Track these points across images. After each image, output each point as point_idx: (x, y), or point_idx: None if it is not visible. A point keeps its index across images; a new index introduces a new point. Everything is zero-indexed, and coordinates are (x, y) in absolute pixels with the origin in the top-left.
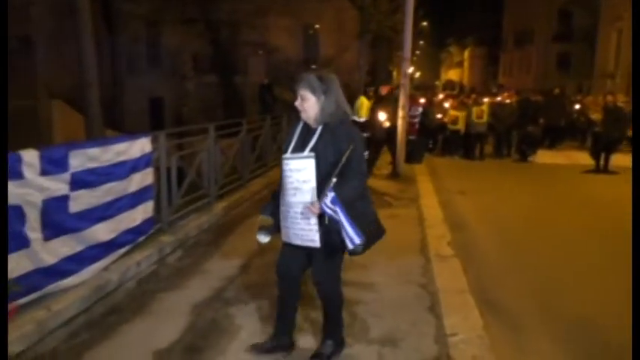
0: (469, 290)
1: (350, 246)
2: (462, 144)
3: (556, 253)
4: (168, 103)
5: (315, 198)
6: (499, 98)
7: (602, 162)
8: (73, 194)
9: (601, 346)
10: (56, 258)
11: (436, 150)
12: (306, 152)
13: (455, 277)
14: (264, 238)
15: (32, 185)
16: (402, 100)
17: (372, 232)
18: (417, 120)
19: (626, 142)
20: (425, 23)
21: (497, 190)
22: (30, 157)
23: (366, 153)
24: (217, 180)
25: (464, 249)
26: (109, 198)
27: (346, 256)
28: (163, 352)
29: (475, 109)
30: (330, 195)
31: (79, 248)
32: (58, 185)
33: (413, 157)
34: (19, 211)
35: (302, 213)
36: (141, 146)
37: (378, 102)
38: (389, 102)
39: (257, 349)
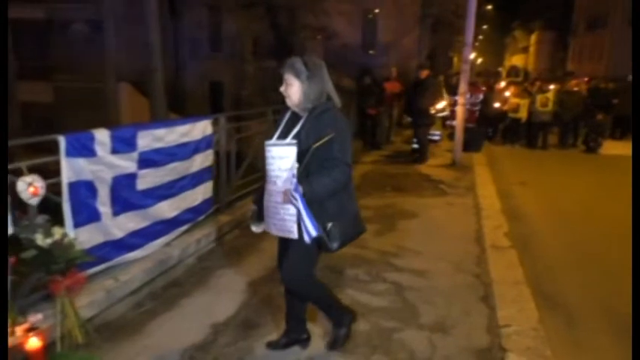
0: (525, 282)
1: (306, 238)
2: (523, 133)
3: (617, 248)
4: (228, 87)
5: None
6: (566, 85)
7: None
8: (141, 172)
9: None
10: (124, 232)
11: (496, 139)
12: (288, 140)
13: (511, 269)
14: (256, 228)
15: (104, 162)
16: (463, 87)
17: (351, 229)
18: (476, 108)
19: None
20: (489, 7)
21: (560, 181)
22: (102, 136)
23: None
24: None
25: (521, 241)
26: (172, 177)
27: (402, 241)
28: (220, 326)
29: (540, 97)
30: (294, 182)
31: (144, 224)
32: (127, 163)
33: (471, 145)
34: (92, 187)
35: (280, 202)
36: (203, 128)
37: (416, 86)
38: (427, 86)
39: (272, 346)
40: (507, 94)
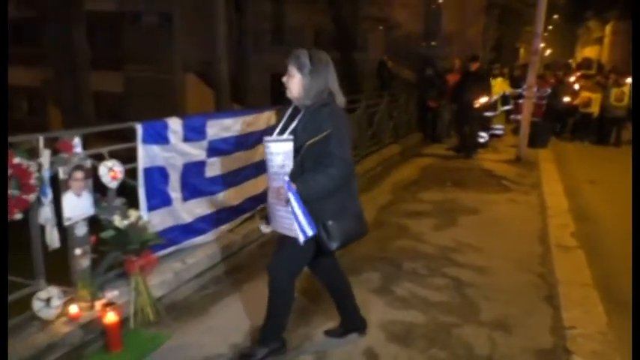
0: (593, 285)
1: (301, 237)
2: (594, 128)
3: None
4: None
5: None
6: None
7: None
8: (209, 160)
9: None
10: (192, 217)
11: (564, 134)
12: (285, 135)
13: (577, 270)
14: (264, 228)
15: (176, 150)
16: (530, 80)
17: (353, 229)
18: (543, 102)
19: None
20: None
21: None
22: (175, 124)
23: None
24: None
25: (589, 242)
26: (237, 166)
27: (462, 237)
28: None
29: (614, 91)
30: (286, 180)
31: (210, 210)
32: (197, 151)
33: (537, 140)
34: (164, 172)
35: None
36: (267, 119)
37: (465, 79)
38: (476, 79)
39: (330, 334)
40: (577, 87)
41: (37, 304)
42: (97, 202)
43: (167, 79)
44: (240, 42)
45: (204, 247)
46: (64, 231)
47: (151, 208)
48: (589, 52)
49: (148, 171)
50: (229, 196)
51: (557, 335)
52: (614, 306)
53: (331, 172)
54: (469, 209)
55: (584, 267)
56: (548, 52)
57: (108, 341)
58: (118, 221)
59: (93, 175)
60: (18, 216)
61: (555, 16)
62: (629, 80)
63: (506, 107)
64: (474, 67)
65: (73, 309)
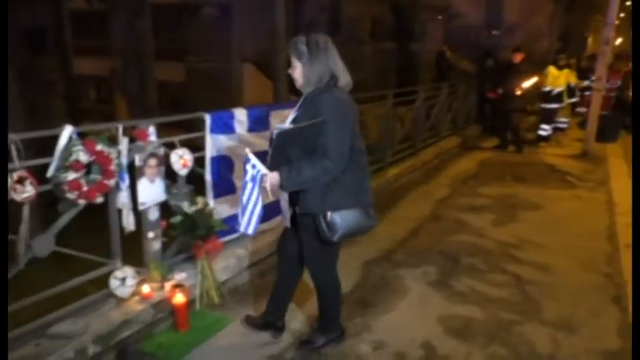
0: None
1: (241, 229)
2: None
3: None
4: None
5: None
6: None
7: None
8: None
9: None
10: None
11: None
12: (287, 124)
13: None
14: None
15: (241, 139)
16: (600, 71)
17: (357, 221)
18: (613, 94)
19: None
20: None
21: None
22: (240, 114)
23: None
24: (391, 146)
25: None
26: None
27: (523, 233)
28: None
29: None
30: (259, 170)
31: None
32: (260, 141)
33: (605, 134)
34: (229, 161)
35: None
36: None
37: (506, 70)
38: (519, 71)
39: (249, 322)
40: None
41: (113, 283)
42: (168, 189)
43: (225, 69)
44: (297, 32)
45: (265, 235)
46: (138, 215)
47: (217, 195)
48: None
49: (214, 159)
50: None
51: (625, 338)
52: None
53: (318, 166)
54: (531, 205)
55: None
56: (619, 40)
57: (176, 321)
58: (187, 207)
59: (165, 162)
60: (99, 200)
61: (628, 3)
62: None
63: (573, 100)
64: (518, 58)
65: (146, 289)
